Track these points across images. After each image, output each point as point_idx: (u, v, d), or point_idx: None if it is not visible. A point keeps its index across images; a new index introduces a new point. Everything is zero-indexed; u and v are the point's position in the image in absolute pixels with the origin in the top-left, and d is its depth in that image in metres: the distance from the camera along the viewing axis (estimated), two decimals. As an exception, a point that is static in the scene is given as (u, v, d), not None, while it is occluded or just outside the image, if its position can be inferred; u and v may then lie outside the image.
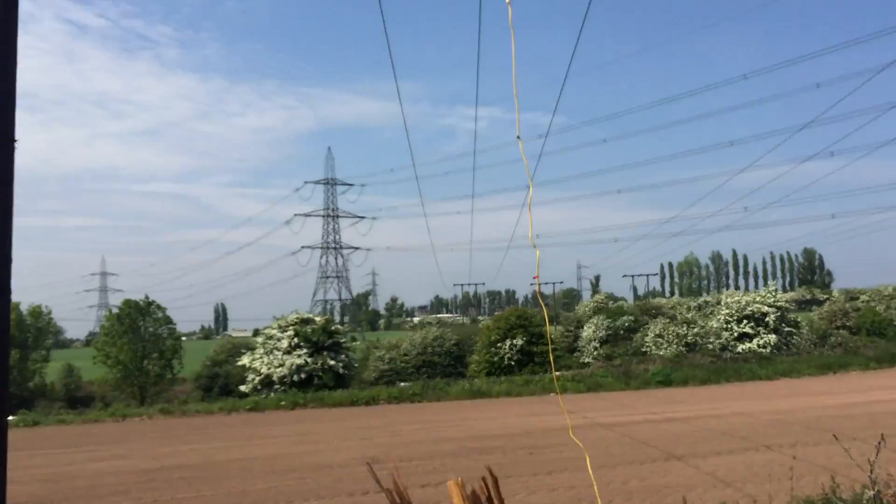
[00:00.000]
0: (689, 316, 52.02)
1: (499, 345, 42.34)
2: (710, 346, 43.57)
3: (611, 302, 74.44)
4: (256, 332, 75.05)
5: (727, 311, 45.37)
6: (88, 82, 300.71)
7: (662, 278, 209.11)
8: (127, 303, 42.74)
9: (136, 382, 41.45)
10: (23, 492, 14.78)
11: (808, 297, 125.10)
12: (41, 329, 53.17)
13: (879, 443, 5.74)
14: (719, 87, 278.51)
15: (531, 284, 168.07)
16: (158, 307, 43.21)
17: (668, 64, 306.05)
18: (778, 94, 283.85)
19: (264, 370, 38.50)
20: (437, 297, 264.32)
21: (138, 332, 41.81)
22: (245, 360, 40.30)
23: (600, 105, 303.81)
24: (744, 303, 45.13)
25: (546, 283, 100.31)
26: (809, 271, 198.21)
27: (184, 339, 44.47)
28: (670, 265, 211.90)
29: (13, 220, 3.65)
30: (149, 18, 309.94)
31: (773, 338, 42.96)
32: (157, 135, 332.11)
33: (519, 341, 42.00)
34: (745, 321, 44.00)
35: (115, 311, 43.43)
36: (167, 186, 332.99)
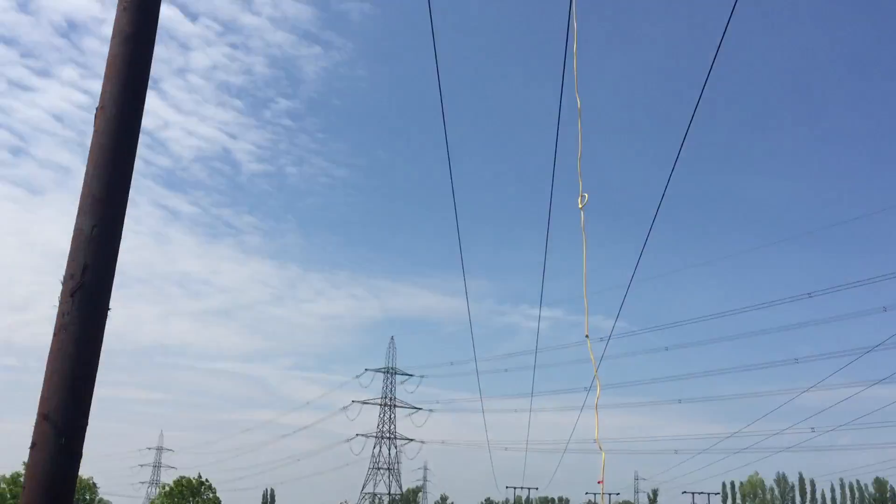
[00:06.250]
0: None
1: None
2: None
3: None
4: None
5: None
6: (172, 263, 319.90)
7: (724, 498, 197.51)
8: (179, 482, 42.56)
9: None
10: None
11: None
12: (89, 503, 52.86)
13: None
14: (783, 304, 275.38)
15: (585, 493, 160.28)
16: (210, 488, 42.80)
17: (731, 277, 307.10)
18: (843, 314, 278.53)
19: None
20: (488, 500, 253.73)
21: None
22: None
23: (663, 313, 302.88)
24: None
25: (601, 494, 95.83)
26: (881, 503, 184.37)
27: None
28: (732, 484, 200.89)
29: (94, 387, 4.22)
30: (237, 208, 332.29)
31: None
32: (230, 315, 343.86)
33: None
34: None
35: (167, 487, 43.14)
36: (232, 365, 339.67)
